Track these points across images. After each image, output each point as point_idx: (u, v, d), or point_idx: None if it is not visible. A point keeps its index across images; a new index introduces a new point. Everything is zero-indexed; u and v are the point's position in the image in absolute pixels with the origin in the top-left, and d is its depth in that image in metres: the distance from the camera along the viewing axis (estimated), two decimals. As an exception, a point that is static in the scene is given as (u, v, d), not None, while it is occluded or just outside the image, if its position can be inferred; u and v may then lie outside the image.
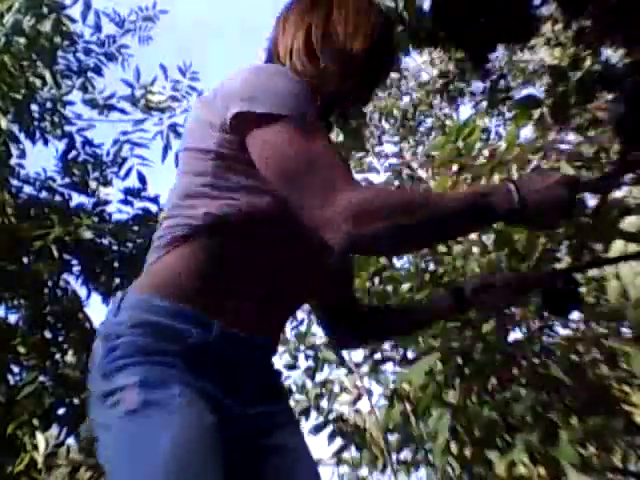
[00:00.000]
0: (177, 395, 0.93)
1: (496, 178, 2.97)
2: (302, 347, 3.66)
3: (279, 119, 0.97)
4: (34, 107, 4.24)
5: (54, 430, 3.38)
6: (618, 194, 3.57)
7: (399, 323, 1.45)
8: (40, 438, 3.15)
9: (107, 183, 4.48)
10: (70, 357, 3.89)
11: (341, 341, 1.49)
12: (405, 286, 3.03)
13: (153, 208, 4.28)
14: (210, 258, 1.01)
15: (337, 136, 2.67)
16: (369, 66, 1.18)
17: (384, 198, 0.96)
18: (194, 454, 0.89)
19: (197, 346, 0.98)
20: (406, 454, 3.52)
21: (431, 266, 3.10)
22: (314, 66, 1.15)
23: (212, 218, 1.01)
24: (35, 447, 3.16)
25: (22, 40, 3.71)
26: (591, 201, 3.16)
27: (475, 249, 3.11)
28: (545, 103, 2.88)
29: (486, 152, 3.09)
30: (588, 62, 2.95)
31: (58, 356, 3.88)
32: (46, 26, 3.63)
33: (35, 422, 3.23)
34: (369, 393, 3.53)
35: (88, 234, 3.81)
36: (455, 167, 3.04)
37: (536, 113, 2.91)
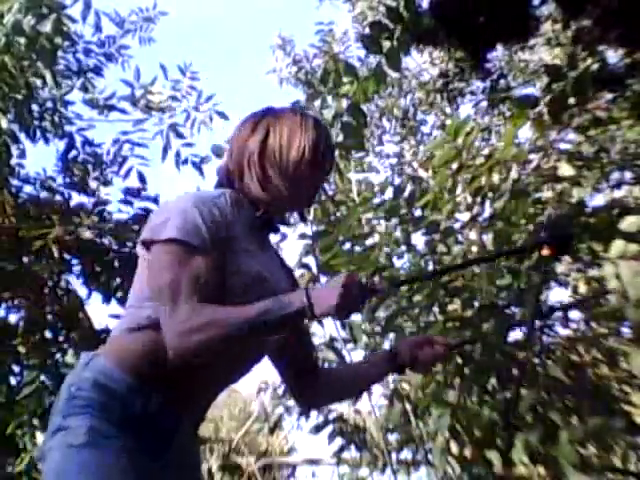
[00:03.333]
0: (111, 445, 1.18)
1: (495, 177, 2.97)
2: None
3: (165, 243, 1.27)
4: (34, 107, 4.24)
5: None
6: (618, 194, 3.57)
7: (347, 389, 1.68)
8: (41, 438, 3.15)
9: (107, 183, 4.48)
10: (70, 357, 3.89)
11: (304, 404, 1.69)
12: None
13: (154, 208, 4.28)
14: (155, 347, 1.25)
15: (337, 136, 2.66)
16: (304, 174, 1.40)
17: (202, 319, 1.20)
18: None
19: (137, 414, 1.24)
20: (406, 454, 3.52)
21: (430, 266, 3.10)
22: (259, 183, 1.40)
23: (152, 320, 1.27)
24: (36, 447, 3.16)
25: (22, 40, 3.70)
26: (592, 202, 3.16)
27: (474, 249, 3.11)
28: (543, 102, 2.88)
29: (486, 151, 3.09)
30: (588, 61, 2.95)
31: (58, 356, 3.87)
32: (47, 26, 3.62)
33: (35, 422, 3.23)
34: (369, 393, 3.52)
35: (88, 234, 3.81)
36: (454, 166, 3.05)
37: (534, 112, 2.91)
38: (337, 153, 2.74)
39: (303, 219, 1.67)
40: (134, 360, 1.26)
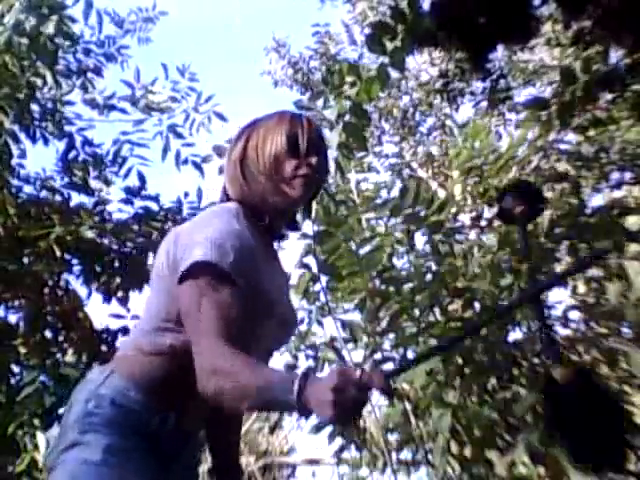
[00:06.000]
0: (126, 463, 1.22)
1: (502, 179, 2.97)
2: (302, 346, 3.66)
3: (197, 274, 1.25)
4: (34, 107, 4.24)
5: (56, 430, 3.37)
6: (618, 194, 3.58)
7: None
8: (41, 438, 3.15)
9: (108, 182, 4.48)
10: (70, 357, 3.89)
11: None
12: (407, 286, 3.03)
13: (154, 207, 4.28)
14: (175, 374, 1.30)
15: (340, 136, 2.65)
16: (286, 167, 1.38)
17: (226, 366, 1.17)
18: None
19: (153, 432, 1.28)
20: (406, 454, 3.52)
21: (433, 266, 3.10)
22: (247, 190, 1.41)
23: (175, 349, 1.30)
24: (36, 447, 3.15)
25: (23, 40, 3.69)
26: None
27: (476, 249, 3.11)
28: (551, 104, 2.88)
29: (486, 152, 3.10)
30: (592, 62, 2.96)
31: (59, 356, 3.87)
32: (49, 28, 3.61)
33: (36, 422, 3.23)
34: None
35: (90, 234, 3.80)
36: (457, 172, 3.05)
37: (543, 114, 2.91)
38: (339, 153, 2.74)
39: (309, 215, 1.64)
40: (153, 383, 1.29)
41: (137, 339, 1.38)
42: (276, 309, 1.38)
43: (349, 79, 2.60)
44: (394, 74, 2.68)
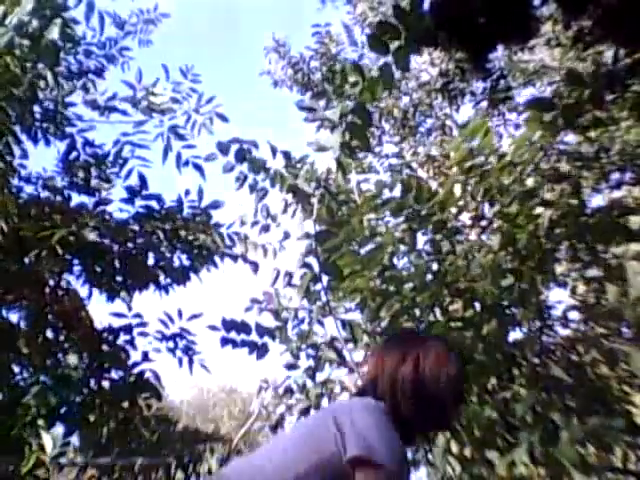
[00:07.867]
0: None
1: (502, 179, 2.97)
2: (303, 346, 3.66)
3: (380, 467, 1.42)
4: (36, 108, 4.25)
5: (60, 430, 3.38)
6: (618, 194, 3.58)
7: None
8: (47, 438, 3.15)
9: (109, 181, 4.48)
10: (71, 356, 3.89)
11: None
12: (408, 285, 3.03)
13: (155, 206, 4.29)
14: None
15: (343, 136, 2.65)
16: (449, 400, 1.61)
17: None
18: None
19: None
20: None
21: (434, 266, 3.10)
22: (413, 408, 1.57)
23: None
24: (41, 447, 3.16)
25: (25, 42, 3.69)
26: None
27: (477, 249, 3.11)
28: (557, 106, 2.88)
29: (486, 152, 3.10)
30: (589, 63, 2.95)
31: (59, 355, 3.88)
32: (53, 32, 3.60)
33: (40, 422, 3.23)
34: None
35: (92, 235, 3.81)
36: (455, 169, 3.05)
37: (548, 115, 2.91)
38: (341, 153, 2.74)
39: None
40: None
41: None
42: None
43: (352, 79, 2.59)
44: (397, 74, 2.67)
